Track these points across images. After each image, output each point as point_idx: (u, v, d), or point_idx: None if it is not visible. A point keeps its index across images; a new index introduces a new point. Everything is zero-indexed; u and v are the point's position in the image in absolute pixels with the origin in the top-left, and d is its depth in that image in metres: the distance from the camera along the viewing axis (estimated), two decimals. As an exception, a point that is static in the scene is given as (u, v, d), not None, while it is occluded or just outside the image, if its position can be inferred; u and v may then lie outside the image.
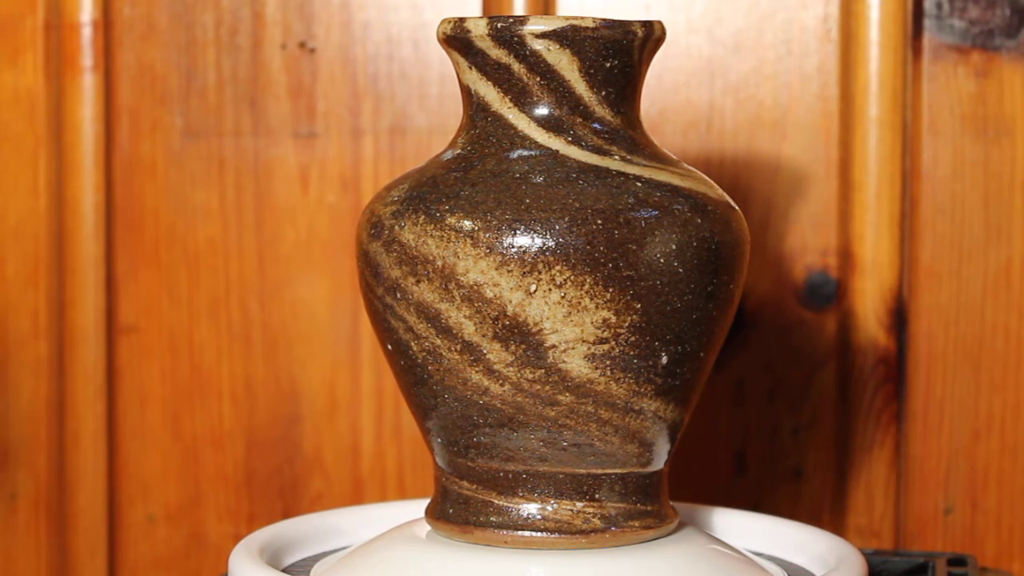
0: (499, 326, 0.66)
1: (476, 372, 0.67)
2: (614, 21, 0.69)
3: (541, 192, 0.66)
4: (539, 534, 0.69)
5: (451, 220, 0.66)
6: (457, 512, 0.70)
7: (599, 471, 0.69)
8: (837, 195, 0.95)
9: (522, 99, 0.69)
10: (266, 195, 0.98)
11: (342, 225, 0.97)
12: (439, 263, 0.66)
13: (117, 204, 0.99)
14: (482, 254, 0.66)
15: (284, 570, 0.74)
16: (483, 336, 0.66)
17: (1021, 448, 0.95)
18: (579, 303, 0.65)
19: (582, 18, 0.68)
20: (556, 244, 0.65)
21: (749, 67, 0.95)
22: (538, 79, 0.69)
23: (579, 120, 0.69)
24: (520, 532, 0.69)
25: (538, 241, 0.65)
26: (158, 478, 1.00)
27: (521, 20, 0.68)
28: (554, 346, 0.66)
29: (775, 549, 0.78)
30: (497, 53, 0.69)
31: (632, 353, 0.67)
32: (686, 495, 0.87)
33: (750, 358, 0.96)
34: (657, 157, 0.70)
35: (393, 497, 0.98)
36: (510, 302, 0.65)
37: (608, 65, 0.69)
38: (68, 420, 1.00)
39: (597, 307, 0.66)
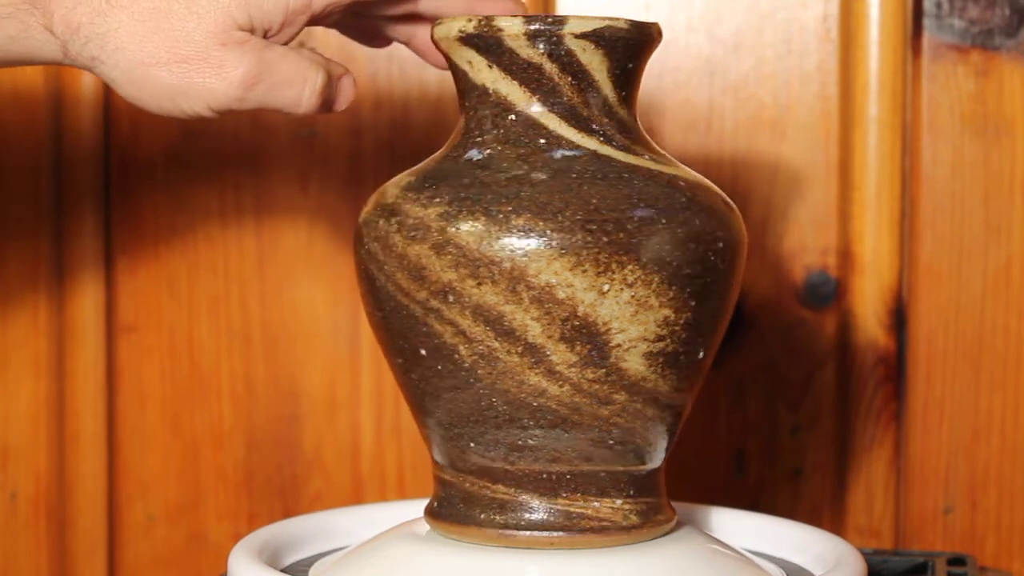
0: (567, 327, 0.66)
1: (535, 374, 0.66)
2: (639, 22, 0.69)
3: (604, 192, 0.66)
4: (581, 534, 0.69)
5: (518, 221, 0.65)
6: (490, 516, 0.69)
7: (634, 468, 0.69)
8: (837, 195, 0.95)
9: (550, 99, 0.69)
10: (266, 195, 0.98)
11: (342, 225, 0.97)
12: (507, 265, 0.65)
13: (117, 203, 0.99)
14: (556, 255, 0.65)
15: (284, 570, 0.74)
16: (549, 337, 0.66)
17: (1021, 448, 0.95)
18: (646, 302, 0.66)
19: (616, 19, 0.69)
20: (629, 244, 0.66)
21: (749, 66, 0.95)
22: (569, 79, 0.69)
23: (605, 120, 0.69)
24: (561, 533, 0.69)
25: (612, 241, 0.65)
26: (158, 478, 1.00)
27: (560, 20, 0.68)
28: (618, 345, 0.66)
29: (774, 549, 0.78)
30: (529, 52, 0.68)
31: (681, 350, 0.68)
32: (686, 494, 0.87)
33: (750, 358, 0.96)
34: (664, 155, 0.71)
35: (393, 496, 0.98)
36: (582, 302, 0.65)
37: (630, 66, 0.70)
38: (68, 420, 1.00)
39: (660, 305, 0.66)
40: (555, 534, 0.68)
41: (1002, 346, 0.94)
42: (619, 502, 0.69)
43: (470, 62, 0.70)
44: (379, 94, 0.97)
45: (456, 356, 0.67)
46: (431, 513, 0.71)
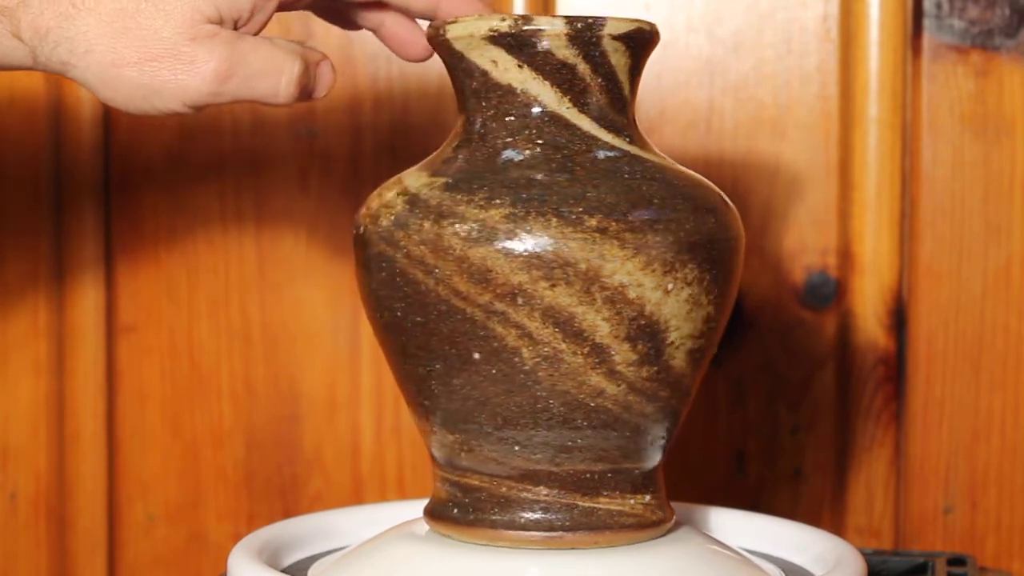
0: (633, 326, 0.66)
1: (597, 374, 0.66)
2: (654, 24, 0.70)
3: (659, 191, 0.67)
4: (614, 532, 0.69)
5: (591, 222, 0.65)
6: (529, 520, 0.69)
7: (651, 465, 0.70)
8: (837, 195, 0.95)
9: (581, 99, 0.69)
10: (265, 195, 0.98)
11: (342, 225, 0.97)
12: (583, 266, 0.65)
13: (117, 204, 0.99)
14: (629, 255, 0.65)
15: (284, 570, 0.74)
16: (615, 337, 0.66)
17: (1021, 448, 0.95)
18: (698, 300, 0.67)
19: (643, 21, 0.69)
20: (689, 243, 0.66)
21: (749, 67, 0.95)
22: (599, 80, 0.69)
23: (624, 120, 0.70)
24: (600, 531, 0.69)
25: (676, 241, 0.66)
26: (158, 478, 1.00)
27: (600, 22, 0.68)
28: (671, 343, 0.67)
29: (774, 549, 0.78)
30: (565, 53, 0.68)
31: (707, 348, 0.69)
32: (685, 494, 0.87)
33: (750, 358, 0.96)
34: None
35: (393, 496, 0.98)
36: (649, 301, 0.66)
37: (641, 67, 0.71)
38: (68, 420, 1.00)
39: (707, 303, 0.67)
40: (583, 533, 0.69)
41: (1002, 346, 0.94)
42: (647, 498, 0.70)
43: (494, 61, 0.69)
44: (379, 94, 0.97)
45: (516, 359, 0.66)
46: (443, 518, 0.71)
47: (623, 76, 0.70)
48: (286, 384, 0.99)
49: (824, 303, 0.95)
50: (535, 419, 0.67)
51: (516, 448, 0.68)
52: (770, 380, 0.96)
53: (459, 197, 0.66)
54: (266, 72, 0.68)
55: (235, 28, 0.68)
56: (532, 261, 0.65)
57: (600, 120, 0.69)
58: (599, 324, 0.65)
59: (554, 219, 0.65)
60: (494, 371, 0.67)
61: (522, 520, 0.69)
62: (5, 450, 1.00)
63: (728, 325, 0.71)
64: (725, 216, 0.68)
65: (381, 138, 0.97)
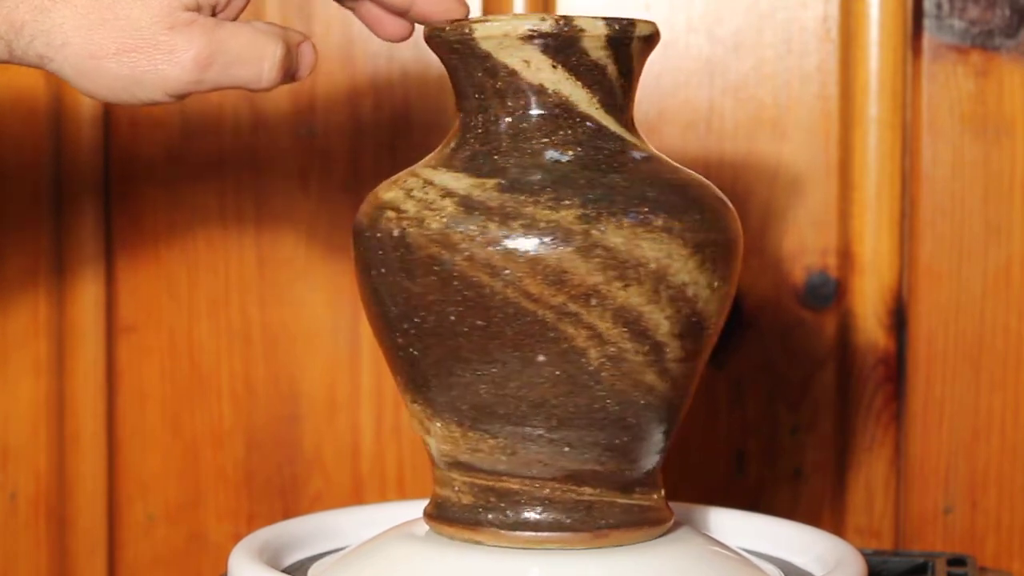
0: (687, 324, 0.67)
1: (652, 372, 0.67)
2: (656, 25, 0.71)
3: (696, 193, 0.68)
4: (616, 531, 0.69)
5: (658, 222, 0.66)
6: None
7: (655, 464, 0.71)
8: (837, 195, 0.95)
9: (608, 100, 0.69)
10: (266, 194, 0.98)
11: (342, 224, 0.97)
12: (652, 266, 0.65)
13: (117, 202, 0.99)
14: (690, 254, 0.66)
15: (284, 570, 0.74)
16: (672, 335, 0.67)
17: (1021, 448, 0.95)
18: (728, 296, 0.69)
19: (653, 23, 0.70)
20: (724, 241, 0.68)
21: (749, 67, 0.95)
22: (622, 80, 0.69)
23: (631, 120, 0.71)
24: (602, 531, 0.69)
25: (719, 240, 0.68)
26: (158, 478, 1.00)
27: (633, 23, 0.69)
28: (707, 340, 0.69)
29: (774, 549, 0.78)
30: (599, 54, 0.68)
31: (713, 341, 0.70)
32: (686, 494, 0.87)
33: (750, 358, 0.96)
34: None
35: (393, 496, 0.98)
36: (700, 299, 0.67)
37: (642, 68, 0.71)
38: (68, 420, 1.00)
39: (726, 299, 0.69)
40: (600, 530, 0.69)
41: (1002, 346, 0.94)
42: (654, 496, 0.71)
43: (527, 61, 0.68)
44: (379, 94, 0.97)
45: (583, 360, 0.66)
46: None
47: (637, 77, 0.70)
48: (286, 384, 0.99)
49: (824, 303, 0.95)
50: (591, 419, 0.67)
51: (566, 449, 0.68)
52: (770, 380, 0.96)
53: (522, 198, 0.66)
54: (248, 58, 0.67)
55: (213, 14, 0.68)
56: (608, 262, 0.65)
57: (621, 121, 0.70)
58: (661, 322, 0.66)
59: (624, 219, 0.65)
60: (557, 372, 0.66)
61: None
62: (5, 450, 1.00)
63: (728, 325, 0.71)
64: (733, 217, 0.70)
65: (381, 137, 0.97)
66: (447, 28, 0.69)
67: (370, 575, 0.70)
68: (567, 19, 0.68)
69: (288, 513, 0.98)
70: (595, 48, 0.68)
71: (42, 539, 1.00)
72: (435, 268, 0.66)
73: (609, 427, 0.68)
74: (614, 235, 0.65)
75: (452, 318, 0.67)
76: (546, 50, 0.68)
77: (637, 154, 0.69)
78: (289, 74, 0.69)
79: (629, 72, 0.70)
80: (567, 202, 0.66)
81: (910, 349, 0.95)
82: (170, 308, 0.99)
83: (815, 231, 0.95)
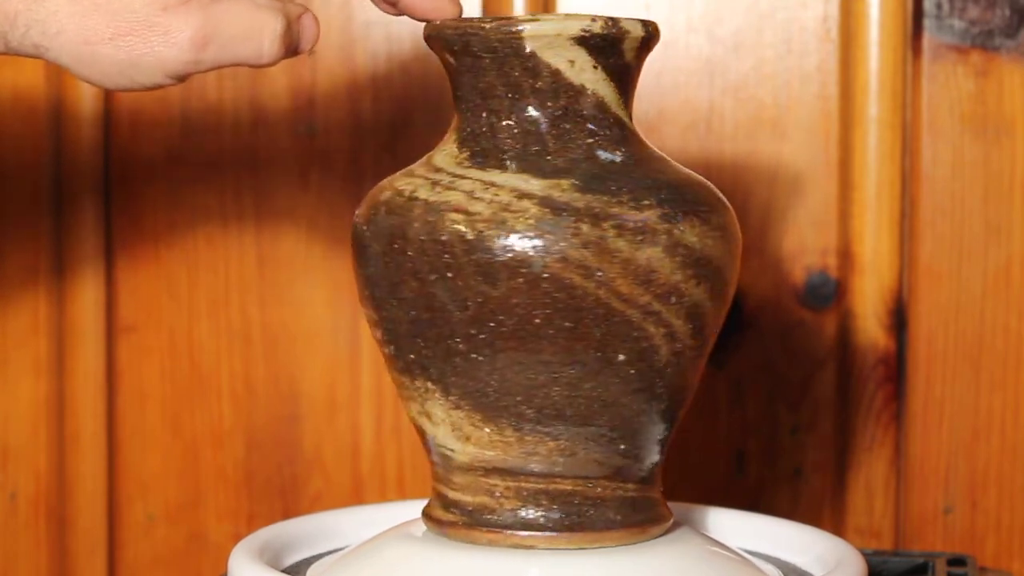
0: (722, 320, 0.69)
1: (694, 368, 0.69)
2: None
3: (714, 193, 0.69)
4: (616, 531, 0.70)
5: (715, 220, 0.68)
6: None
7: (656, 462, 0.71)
8: (837, 195, 0.95)
9: (628, 101, 0.70)
10: (266, 194, 0.98)
11: (342, 224, 0.97)
12: (716, 263, 0.67)
13: (117, 202, 0.99)
14: (736, 252, 0.69)
15: (284, 570, 0.74)
16: (713, 332, 0.69)
17: (1021, 448, 0.95)
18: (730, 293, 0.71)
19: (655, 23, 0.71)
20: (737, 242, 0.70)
21: (749, 66, 0.95)
22: (635, 82, 0.70)
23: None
24: (602, 531, 0.69)
25: (739, 240, 0.70)
26: (158, 478, 1.00)
27: (655, 25, 0.69)
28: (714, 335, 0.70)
29: (773, 549, 0.78)
30: (631, 55, 0.69)
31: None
32: (686, 494, 0.87)
33: (750, 358, 0.96)
34: None
35: (393, 496, 0.98)
36: (730, 296, 0.69)
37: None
38: (68, 420, 1.00)
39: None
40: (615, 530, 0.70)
41: (1002, 346, 0.94)
42: (657, 496, 0.72)
43: (572, 61, 0.68)
44: (379, 92, 0.97)
45: (656, 357, 0.67)
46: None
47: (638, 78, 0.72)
48: (286, 384, 0.99)
49: (824, 303, 0.95)
50: (651, 416, 0.68)
51: (622, 447, 0.68)
52: (770, 380, 0.96)
53: (604, 199, 0.66)
54: (247, 34, 0.66)
55: None
56: (686, 260, 0.66)
57: (631, 121, 0.70)
58: (711, 319, 0.68)
59: (695, 219, 0.67)
60: (632, 371, 0.67)
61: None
62: (5, 450, 1.00)
63: (728, 325, 0.72)
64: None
65: (381, 136, 0.97)
66: (427, 27, 0.69)
67: (370, 575, 0.70)
68: (615, 21, 0.68)
69: (288, 513, 0.98)
70: (630, 49, 0.69)
71: (42, 539, 1.00)
72: (522, 271, 0.65)
73: (659, 423, 0.69)
74: (690, 234, 0.66)
75: (537, 320, 0.65)
76: (592, 51, 0.68)
77: (658, 154, 0.70)
78: (291, 48, 0.68)
79: (639, 72, 0.71)
80: (646, 202, 0.66)
81: (910, 349, 0.95)
82: (170, 308, 0.99)
83: (815, 231, 0.95)
